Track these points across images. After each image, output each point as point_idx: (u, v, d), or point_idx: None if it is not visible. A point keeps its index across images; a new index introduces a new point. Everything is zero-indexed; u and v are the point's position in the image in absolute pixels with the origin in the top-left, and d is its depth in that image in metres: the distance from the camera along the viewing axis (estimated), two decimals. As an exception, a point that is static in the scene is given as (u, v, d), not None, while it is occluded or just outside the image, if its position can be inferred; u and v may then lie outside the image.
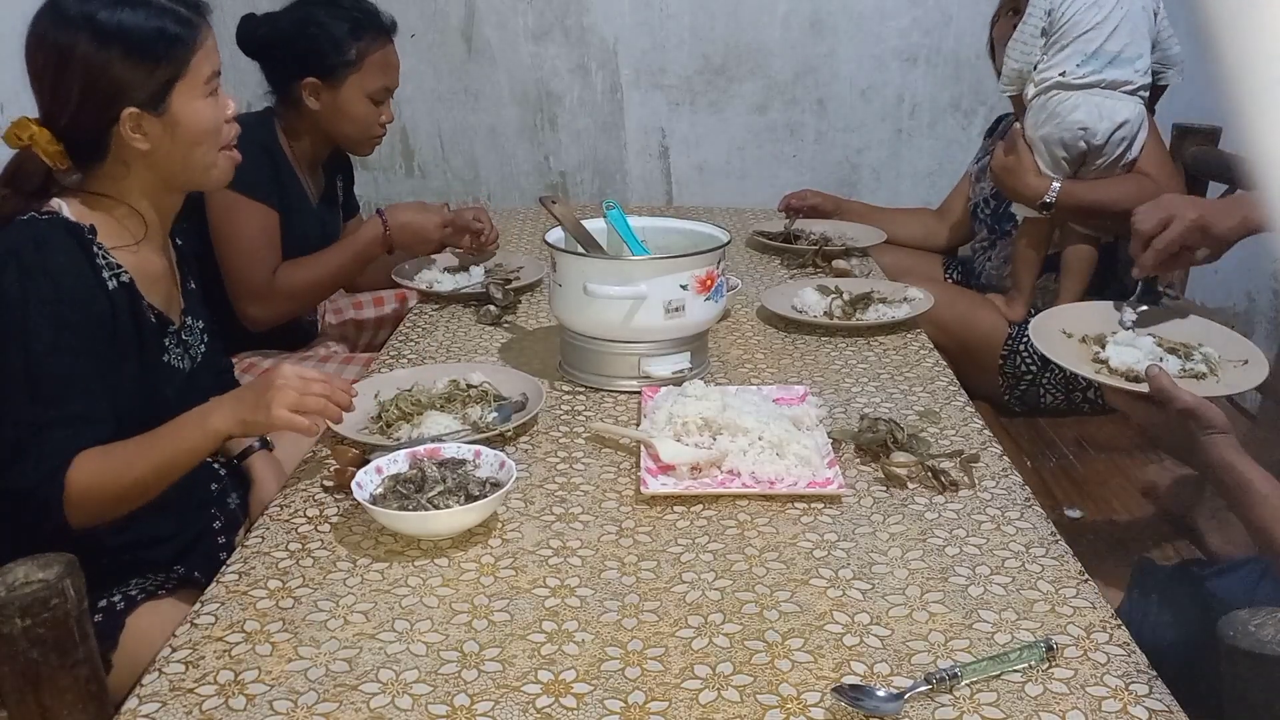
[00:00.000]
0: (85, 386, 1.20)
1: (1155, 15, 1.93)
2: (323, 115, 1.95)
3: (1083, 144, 1.91)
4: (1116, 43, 1.89)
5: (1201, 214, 1.37)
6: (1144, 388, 1.21)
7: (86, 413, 1.19)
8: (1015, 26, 2.07)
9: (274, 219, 1.90)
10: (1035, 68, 1.95)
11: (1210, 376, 1.34)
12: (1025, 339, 2.09)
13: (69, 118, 1.21)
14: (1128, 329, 1.45)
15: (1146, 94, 1.94)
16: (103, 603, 1.25)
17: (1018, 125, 2.00)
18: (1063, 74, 1.91)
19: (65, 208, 1.22)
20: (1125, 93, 1.91)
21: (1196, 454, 1.16)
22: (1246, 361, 1.35)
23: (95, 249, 1.21)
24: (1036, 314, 2.07)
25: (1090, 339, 1.45)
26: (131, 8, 1.20)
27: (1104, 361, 1.37)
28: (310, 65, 1.92)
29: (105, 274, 1.21)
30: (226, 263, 1.86)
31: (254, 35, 1.95)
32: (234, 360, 1.90)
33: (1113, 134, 1.91)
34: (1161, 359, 1.35)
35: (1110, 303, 1.56)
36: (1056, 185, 1.93)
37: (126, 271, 1.24)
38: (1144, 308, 1.51)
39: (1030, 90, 1.96)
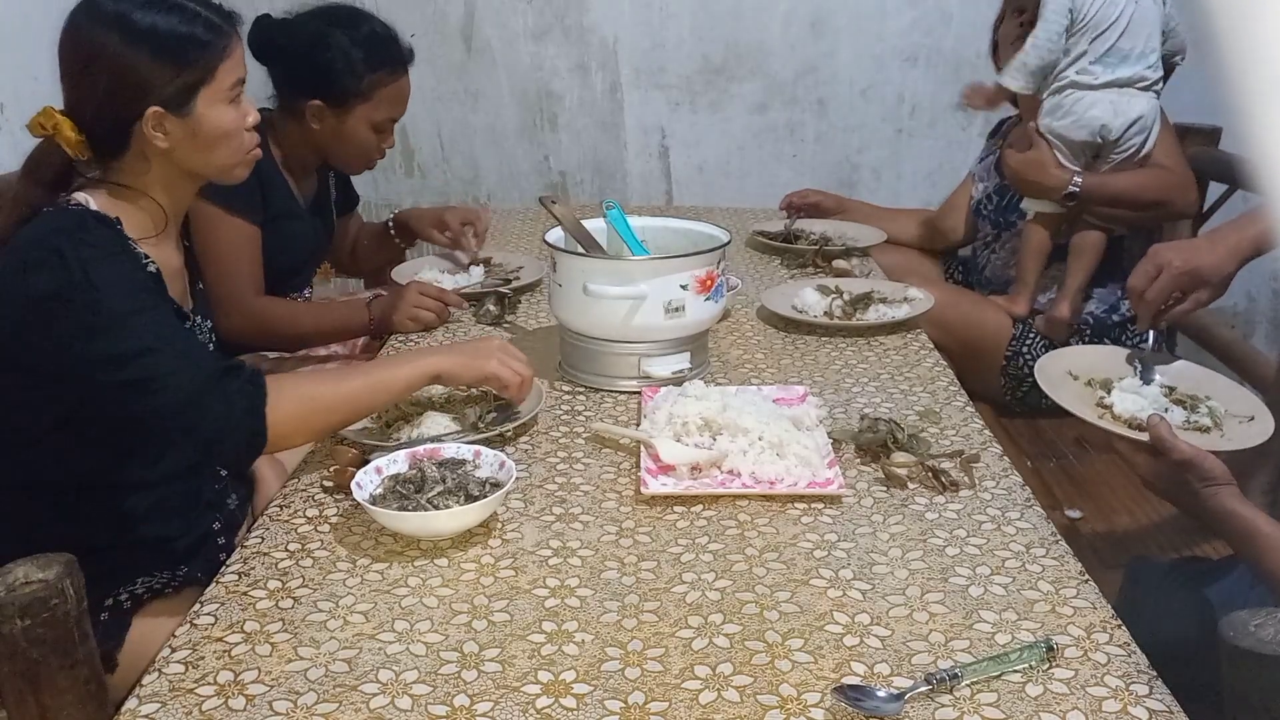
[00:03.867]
0: (186, 333, 1.24)
1: (1164, 2, 1.96)
2: (322, 136, 1.91)
3: (1099, 139, 1.95)
4: (1129, 40, 1.92)
5: (1186, 259, 1.37)
6: (1145, 436, 1.20)
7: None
8: (1021, 26, 2.08)
9: (254, 235, 1.85)
10: (1056, 67, 1.97)
11: (1214, 430, 1.33)
12: (1029, 340, 2.10)
13: (93, 110, 1.23)
14: (1148, 383, 1.43)
15: (1160, 87, 1.97)
16: (109, 601, 1.25)
17: (1031, 124, 2.02)
18: (1079, 72, 1.94)
19: (91, 201, 1.23)
20: (1139, 89, 1.94)
21: (1197, 505, 1.15)
22: (1253, 418, 1.34)
23: (126, 239, 1.22)
24: (1040, 308, 2.10)
25: (1096, 382, 1.45)
26: (165, 11, 1.22)
27: (1108, 407, 1.37)
28: (320, 88, 1.87)
29: (142, 260, 1.23)
30: (204, 274, 1.85)
31: (268, 41, 1.87)
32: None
33: (1128, 129, 1.94)
34: (1166, 409, 1.34)
35: (1118, 348, 1.58)
36: (1079, 179, 1.96)
37: (154, 262, 1.25)
38: (1153, 350, 1.51)
39: (1045, 88, 1.99)
